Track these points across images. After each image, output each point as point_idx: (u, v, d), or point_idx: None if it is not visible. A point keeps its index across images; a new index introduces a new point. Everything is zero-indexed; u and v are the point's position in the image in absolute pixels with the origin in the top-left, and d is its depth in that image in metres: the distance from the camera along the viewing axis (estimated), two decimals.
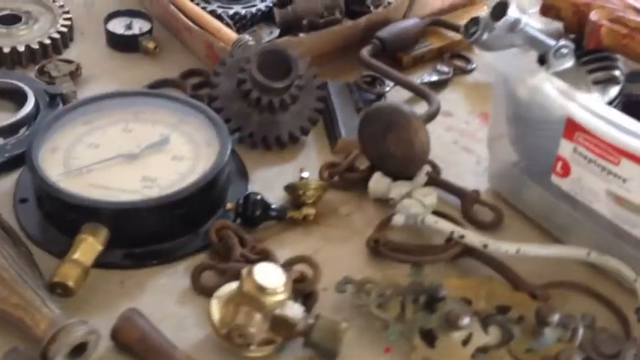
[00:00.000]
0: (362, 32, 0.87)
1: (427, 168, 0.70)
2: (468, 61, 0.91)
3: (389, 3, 0.93)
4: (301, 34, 0.86)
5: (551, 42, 0.57)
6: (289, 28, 0.90)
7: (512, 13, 0.54)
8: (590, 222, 0.59)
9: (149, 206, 0.60)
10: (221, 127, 0.68)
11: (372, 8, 0.91)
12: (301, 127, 0.76)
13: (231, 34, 0.83)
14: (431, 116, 0.73)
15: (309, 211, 0.65)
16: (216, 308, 0.52)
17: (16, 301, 0.50)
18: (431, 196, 0.65)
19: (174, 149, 0.67)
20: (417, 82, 0.84)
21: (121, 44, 0.89)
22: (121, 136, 0.67)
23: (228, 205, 0.64)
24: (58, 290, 0.54)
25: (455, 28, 0.92)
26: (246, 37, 0.82)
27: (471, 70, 0.90)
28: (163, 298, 0.59)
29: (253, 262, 0.59)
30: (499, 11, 0.55)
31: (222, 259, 0.60)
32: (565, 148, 0.57)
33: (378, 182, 0.68)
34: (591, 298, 0.60)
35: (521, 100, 0.60)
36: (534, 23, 0.58)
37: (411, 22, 0.90)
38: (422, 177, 0.69)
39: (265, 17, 0.91)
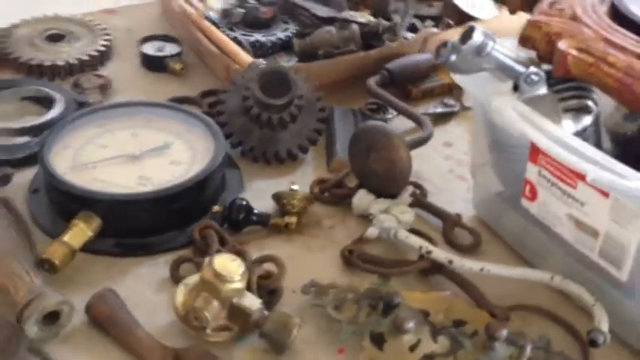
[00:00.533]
0: (374, 63, 0.91)
1: (412, 189, 0.72)
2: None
3: (405, 38, 0.97)
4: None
5: (521, 69, 0.59)
6: (307, 57, 0.95)
7: (478, 37, 0.57)
8: (557, 247, 0.60)
9: (137, 199, 0.64)
10: (219, 137, 0.73)
11: (387, 43, 0.96)
12: (300, 146, 0.80)
13: (247, 58, 0.89)
14: (420, 141, 0.75)
15: (292, 219, 0.68)
16: (181, 293, 0.56)
17: (4, 270, 0.55)
18: (408, 214, 0.67)
19: (174, 154, 0.72)
20: (422, 112, 0.87)
21: (152, 64, 0.96)
22: (129, 139, 0.73)
23: (215, 208, 0.68)
24: (46, 266, 0.59)
25: None
26: (261, 61, 0.87)
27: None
28: (142, 285, 0.62)
29: None
30: (467, 35, 0.57)
31: (202, 256, 0.64)
32: (531, 171, 0.58)
33: (362, 199, 0.71)
34: (553, 322, 0.60)
35: (495, 125, 0.62)
36: (505, 49, 0.60)
37: (422, 57, 0.93)
38: (405, 197, 0.71)
39: (285, 46, 0.97)
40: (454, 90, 0.94)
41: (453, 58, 0.57)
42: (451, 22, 1.01)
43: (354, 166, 0.73)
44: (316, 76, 0.87)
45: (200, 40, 0.94)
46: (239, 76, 0.83)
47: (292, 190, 0.72)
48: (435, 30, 0.98)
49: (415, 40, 0.95)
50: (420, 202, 0.73)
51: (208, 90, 0.91)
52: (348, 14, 0.99)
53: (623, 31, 0.59)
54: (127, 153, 0.71)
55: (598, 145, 0.63)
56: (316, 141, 0.81)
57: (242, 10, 0.98)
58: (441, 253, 0.62)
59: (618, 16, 0.61)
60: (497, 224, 0.70)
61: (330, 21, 0.98)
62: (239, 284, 0.54)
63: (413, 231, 0.68)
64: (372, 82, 0.88)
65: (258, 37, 0.95)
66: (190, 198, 0.67)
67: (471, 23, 0.58)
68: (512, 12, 0.69)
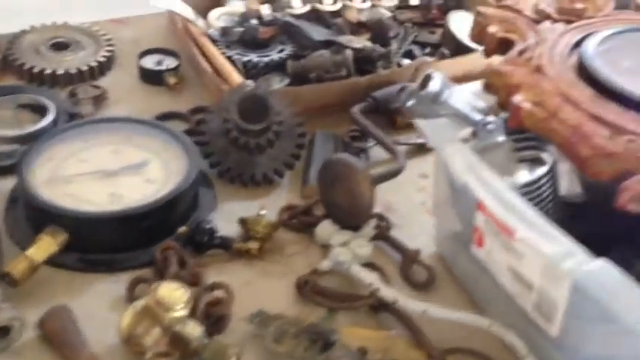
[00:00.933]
0: (363, 90, 0.92)
1: (376, 222, 0.72)
2: None
3: (399, 65, 0.98)
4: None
5: (477, 117, 0.59)
6: (299, 79, 0.96)
7: (435, 85, 0.57)
8: (501, 294, 0.59)
9: (102, 219, 0.67)
10: (193, 158, 0.75)
11: (379, 69, 0.96)
12: (276, 170, 0.81)
13: (238, 78, 0.90)
14: (390, 175, 0.75)
15: (254, 245, 0.70)
16: (128, 316, 0.58)
17: None
18: (365, 248, 0.68)
19: (149, 172, 0.74)
20: (403, 141, 0.88)
21: (149, 77, 0.98)
22: (109, 155, 0.75)
23: (181, 229, 0.70)
24: (7, 279, 0.62)
25: None
26: (249, 82, 0.89)
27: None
28: (100, 302, 0.65)
29: (184, 282, 0.65)
30: (425, 82, 0.58)
31: (160, 277, 0.66)
32: (479, 218, 0.59)
33: (325, 229, 0.72)
34: None
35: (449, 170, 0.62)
36: (464, 97, 0.60)
37: (410, 85, 0.93)
38: (368, 230, 0.71)
39: (278, 67, 0.98)
40: None
41: (410, 103, 0.58)
42: (446, 51, 1.00)
43: (321, 195, 0.73)
44: (304, 100, 0.88)
45: (196, 57, 0.96)
46: (223, 97, 0.85)
47: (260, 215, 0.73)
48: (428, 59, 0.98)
49: (407, 68, 0.95)
50: (382, 234, 0.73)
51: (198, 107, 0.93)
52: (345, 39, 0.99)
53: (582, 86, 0.58)
54: (103, 169, 0.73)
55: (554, 194, 0.63)
56: (293, 166, 0.82)
57: (240, 29, 1.00)
58: (388, 292, 0.62)
59: (582, 70, 0.60)
60: (453, 263, 0.70)
61: (326, 44, 0.99)
62: (181, 312, 0.55)
63: (370, 265, 0.69)
64: (356, 109, 0.88)
65: (252, 56, 0.96)
66: (157, 218, 0.69)
67: (431, 70, 0.58)
68: (488, 56, 0.69)
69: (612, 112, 0.55)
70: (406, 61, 1.00)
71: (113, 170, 0.73)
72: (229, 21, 1.03)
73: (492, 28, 0.68)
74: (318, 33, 1.00)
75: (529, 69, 0.62)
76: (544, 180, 0.60)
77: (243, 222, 0.72)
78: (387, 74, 0.93)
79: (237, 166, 0.80)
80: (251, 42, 0.99)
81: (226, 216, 0.76)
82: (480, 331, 0.62)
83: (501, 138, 0.59)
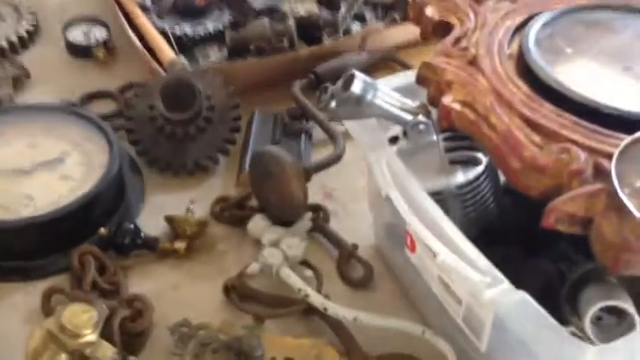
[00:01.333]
0: (306, 63, 0.87)
1: (310, 215, 0.70)
2: None
3: (348, 32, 0.92)
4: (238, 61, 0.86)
5: (407, 117, 0.56)
6: (239, 51, 0.91)
7: (357, 87, 0.53)
8: (437, 302, 0.58)
9: (14, 226, 0.63)
10: (114, 151, 0.70)
11: (324, 39, 0.91)
12: (209, 157, 0.77)
13: (170, 54, 0.85)
14: (327, 163, 0.72)
15: (180, 245, 0.67)
16: (37, 336, 0.55)
17: None
18: (296, 248, 0.65)
19: (67, 168, 0.70)
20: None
21: (76, 51, 0.92)
22: (24, 150, 0.71)
23: (101, 230, 0.66)
24: None
25: (406, 66, 0.90)
26: (182, 60, 0.84)
27: None
28: (13, 314, 0.62)
29: (103, 291, 0.62)
30: (347, 83, 0.54)
31: (79, 284, 0.63)
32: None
33: (257, 224, 0.69)
34: None
35: None
36: (392, 96, 0.56)
37: (354, 57, 0.88)
38: (302, 225, 0.69)
39: (216, 38, 0.92)
40: None
41: (333, 105, 0.54)
42: (397, 16, 0.95)
43: (254, 188, 0.70)
44: (240, 78, 0.84)
45: (125, 29, 0.90)
46: (149, 80, 0.80)
47: (189, 209, 0.70)
48: (376, 26, 0.93)
49: (352, 38, 0.90)
50: (319, 227, 0.70)
51: (129, 83, 0.88)
52: (288, 5, 0.94)
53: (519, 82, 0.55)
54: (17, 167, 0.69)
55: (496, 193, 0.60)
56: (227, 151, 0.78)
57: None
58: (317, 298, 0.60)
59: (520, 62, 0.57)
60: (391, 260, 0.68)
61: (268, 12, 0.93)
62: (90, 337, 0.53)
63: (305, 262, 0.66)
64: (297, 86, 0.84)
65: (186, 28, 0.90)
66: (75, 221, 0.66)
67: (353, 70, 0.54)
68: (424, 40, 0.65)
69: (547, 114, 0.52)
70: (356, 26, 0.95)
71: (27, 168, 0.69)
72: None
73: (429, 10, 0.64)
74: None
75: (463, 61, 0.58)
76: (480, 180, 0.57)
77: (169, 220, 0.68)
78: (331, 45, 0.89)
79: (167, 154, 0.76)
80: (185, 10, 0.93)
81: (155, 209, 0.73)
82: (414, 336, 0.61)
83: (433, 137, 0.56)
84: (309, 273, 0.65)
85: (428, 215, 0.50)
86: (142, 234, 0.67)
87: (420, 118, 0.55)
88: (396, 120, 0.56)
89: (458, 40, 0.60)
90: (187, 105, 0.74)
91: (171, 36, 0.89)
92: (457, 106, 0.53)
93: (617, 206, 0.43)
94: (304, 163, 0.68)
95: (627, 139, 0.46)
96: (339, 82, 0.54)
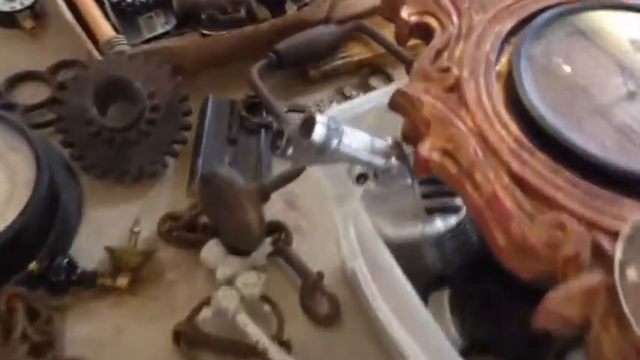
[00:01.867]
0: (267, 39, 0.78)
1: (270, 240, 0.64)
2: (389, 79, 0.81)
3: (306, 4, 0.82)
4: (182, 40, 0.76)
5: (378, 161, 0.48)
6: (188, 18, 0.81)
7: (320, 135, 0.45)
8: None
9: None
10: (43, 168, 0.62)
11: (288, 3, 0.81)
12: (156, 161, 0.70)
13: (106, 31, 0.75)
14: (289, 178, 0.65)
15: (123, 281, 0.61)
16: None
17: None
18: (253, 286, 0.59)
19: None
20: (313, 106, 0.76)
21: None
22: None
23: (31, 266, 0.60)
24: None
25: (378, 39, 0.81)
26: (119, 39, 0.74)
27: None
28: None
29: (34, 344, 0.56)
30: (307, 128, 0.46)
31: (7, 335, 0.57)
32: None
33: (210, 252, 0.62)
34: None
35: None
36: (360, 138, 0.48)
37: (322, 30, 0.79)
38: (262, 250, 0.63)
39: (162, 4, 0.82)
40: (363, 68, 0.81)
41: (290, 152, 0.46)
42: None
43: (206, 211, 0.63)
44: (190, 57, 0.75)
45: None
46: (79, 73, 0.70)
47: (134, 232, 0.64)
48: None
49: (318, 6, 0.80)
50: (280, 250, 0.65)
51: (62, 61, 0.78)
52: None
53: (507, 120, 0.47)
54: None
55: (479, 240, 0.54)
56: (177, 154, 0.71)
57: None
58: (277, 354, 0.55)
59: (510, 91, 0.49)
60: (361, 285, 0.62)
61: None
62: None
63: (264, 298, 0.61)
64: (255, 69, 0.75)
65: None
66: None
67: (312, 113, 0.46)
68: (400, 43, 0.56)
69: (539, 169, 0.45)
70: None
71: None
72: None
73: (405, 11, 0.55)
74: None
75: (444, 86, 0.50)
76: (461, 227, 0.51)
77: (110, 251, 0.62)
78: (294, 16, 0.79)
79: (106, 160, 0.68)
80: None
81: (94, 227, 0.66)
82: None
83: (407, 181, 0.49)
84: (268, 309, 0.60)
85: (395, 295, 0.44)
86: (79, 269, 0.61)
87: (393, 161, 0.48)
88: (365, 165, 0.48)
89: (439, 54, 0.52)
90: (126, 106, 0.66)
91: (107, 3, 0.78)
92: (436, 157, 0.46)
93: (617, 312, 0.38)
94: (260, 183, 0.61)
95: (633, 221, 0.40)
96: (297, 125, 0.46)
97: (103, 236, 0.65)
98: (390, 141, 0.49)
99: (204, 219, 0.66)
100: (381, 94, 0.56)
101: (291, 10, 0.81)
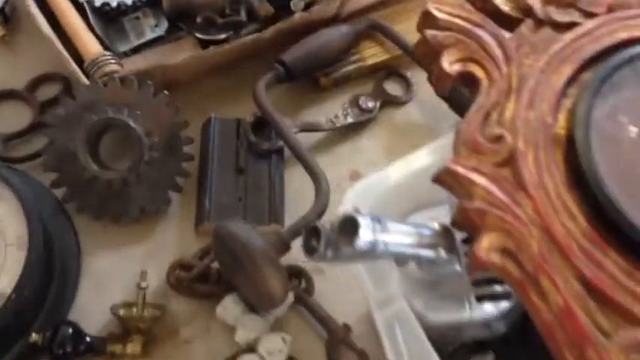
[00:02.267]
0: (271, 47, 0.70)
1: (291, 294, 0.59)
2: (407, 83, 0.74)
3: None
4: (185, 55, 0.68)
5: (427, 254, 0.43)
6: (180, 19, 0.72)
7: (366, 238, 0.40)
8: None
9: None
10: (34, 223, 0.56)
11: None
12: (158, 199, 0.64)
13: (89, 44, 0.67)
14: (309, 222, 0.59)
15: (135, 348, 0.56)
16: None
17: None
18: (280, 354, 0.55)
19: None
20: (326, 123, 0.70)
21: None
22: None
23: (33, 337, 0.55)
24: None
25: (394, 39, 0.74)
26: (106, 57, 0.66)
27: (405, 102, 0.74)
28: None
29: None
30: (348, 229, 0.40)
31: None
32: None
33: (227, 309, 0.58)
34: None
35: None
36: (404, 232, 0.43)
37: (332, 34, 0.71)
38: (283, 307, 0.59)
39: (151, 3, 0.73)
40: (379, 71, 0.74)
41: (330, 255, 0.41)
42: None
43: (221, 267, 0.58)
44: (187, 73, 0.67)
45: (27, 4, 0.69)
46: (78, 94, 0.63)
47: (141, 288, 0.59)
48: None
49: (327, 5, 0.72)
50: (303, 301, 0.60)
51: (43, 75, 0.70)
52: None
53: (573, 206, 0.42)
54: None
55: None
56: (180, 188, 0.65)
57: None
58: None
59: (572, 166, 0.44)
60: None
61: None
62: None
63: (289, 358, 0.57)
64: (260, 86, 0.67)
65: None
66: None
67: (352, 214, 0.40)
68: (439, 94, 0.50)
69: (614, 272, 0.40)
70: None
71: None
72: None
73: (447, 60, 0.48)
74: None
75: (497, 161, 0.44)
76: (509, 312, 0.47)
77: (117, 316, 0.57)
78: (300, 19, 0.70)
79: (102, 201, 0.62)
80: None
81: (97, 281, 0.61)
82: None
83: (455, 267, 0.44)
84: None
85: None
86: (86, 337, 0.56)
87: (441, 253, 0.43)
88: (416, 259, 0.44)
89: (487, 117, 0.46)
90: (120, 138, 0.59)
91: (87, 8, 0.70)
92: (495, 258, 0.41)
93: None
94: (277, 233, 0.56)
95: None
96: (335, 225, 0.41)
97: (107, 288, 0.60)
98: (437, 227, 0.44)
99: (217, 266, 0.61)
100: (421, 156, 0.50)
101: (297, 4, 0.73)
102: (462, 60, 0.48)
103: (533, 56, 0.48)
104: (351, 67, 0.73)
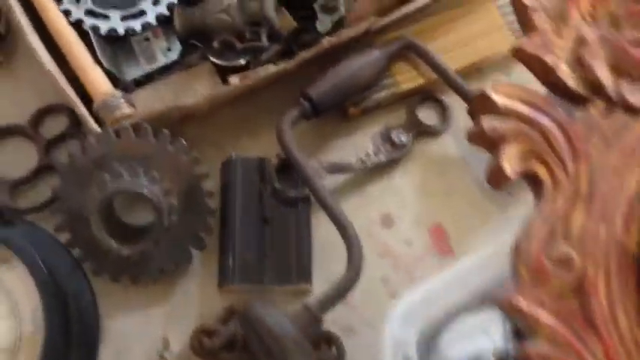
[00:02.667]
0: (295, 72, 0.64)
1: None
2: (443, 110, 0.68)
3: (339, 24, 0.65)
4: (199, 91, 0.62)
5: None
6: (194, 37, 0.66)
7: None
8: None
9: None
10: (49, 300, 0.52)
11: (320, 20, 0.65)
12: (179, 258, 0.60)
13: (98, 81, 0.61)
14: (340, 295, 0.55)
15: None
16: None
17: None
18: None
19: None
20: (356, 162, 0.64)
21: None
22: None
23: None
24: None
25: (432, 64, 0.67)
26: (116, 98, 0.60)
27: (441, 132, 0.68)
28: None
29: None
30: None
31: None
32: None
33: None
34: None
35: None
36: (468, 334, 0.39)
37: (363, 62, 0.64)
38: None
39: (160, 20, 0.66)
40: (413, 98, 0.68)
41: None
42: None
43: (249, 346, 0.55)
44: (205, 106, 0.62)
45: (17, 19, 0.61)
46: (89, 146, 0.57)
47: (163, 358, 0.56)
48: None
49: (352, 31, 0.64)
50: None
51: (46, 107, 0.64)
52: None
53: None
54: None
55: None
56: (203, 245, 0.60)
57: None
58: None
59: None
60: None
61: None
62: None
63: None
64: (285, 124, 0.62)
65: (115, 20, 0.63)
66: None
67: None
68: (495, 188, 0.45)
69: None
70: None
71: None
72: None
73: (506, 158, 0.43)
74: None
75: (562, 290, 0.40)
76: None
77: None
78: (329, 45, 0.63)
79: (118, 266, 0.58)
80: None
81: (115, 345, 0.58)
82: None
83: None
84: None
85: None
86: None
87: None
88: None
89: (552, 231, 0.41)
90: (138, 203, 0.55)
91: (92, 36, 0.63)
92: None
93: None
94: (306, 307, 0.52)
95: None
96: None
97: (128, 355, 0.57)
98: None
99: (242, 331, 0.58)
100: (463, 267, 0.46)
101: (323, 23, 0.65)
102: (523, 157, 0.43)
103: (604, 149, 0.44)
104: (382, 94, 0.67)
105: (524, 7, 0.47)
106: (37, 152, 0.63)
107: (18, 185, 0.62)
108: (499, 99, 0.44)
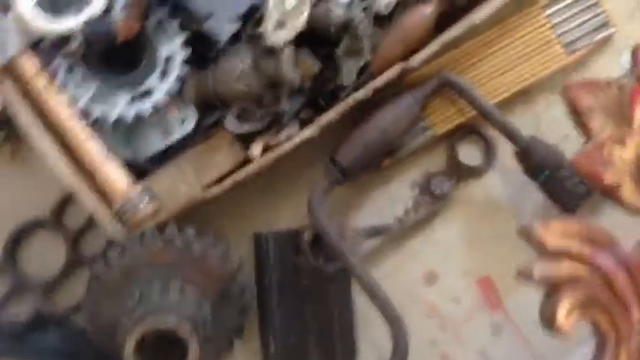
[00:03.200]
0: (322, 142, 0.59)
1: None
2: (486, 146, 0.62)
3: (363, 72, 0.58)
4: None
5: None
6: (210, 110, 0.61)
7: None
8: None
9: None
10: None
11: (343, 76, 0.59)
12: (220, 350, 0.58)
13: (117, 181, 0.56)
14: None
15: None
16: None
17: None
18: None
19: None
20: (394, 222, 0.60)
21: None
22: None
23: None
24: None
25: (471, 100, 0.60)
26: (135, 198, 0.56)
27: (485, 172, 0.62)
28: None
29: None
30: None
31: None
32: None
33: None
34: None
35: None
36: None
37: (395, 113, 0.58)
38: None
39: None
40: (453, 138, 0.62)
41: None
42: None
43: None
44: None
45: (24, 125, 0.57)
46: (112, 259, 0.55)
47: None
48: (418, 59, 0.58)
49: (379, 81, 0.57)
50: None
51: (65, 197, 0.61)
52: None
53: None
54: None
55: None
56: (242, 334, 0.58)
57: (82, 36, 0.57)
58: None
59: None
60: None
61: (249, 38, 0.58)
62: None
63: None
64: (316, 199, 0.57)
65: (123, 103, 0.57)
66: None
67: None
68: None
69: None
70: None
71: None
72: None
73: (562, 310, 0.38)
74: (219, 21, 0.58)
75: None
76: None
77: None
78: (353, 102, 0.57)
79: None
80: (105, 53, 0.58)
81: None
82: None
83: None
84: None
85: None
86: None
87: None
88: None
89: None
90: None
91: (102, 125, 0.58)
92: None
93: None
94: None
95: None
96: None
97: None
98: None
99: None
100: None
101: (348, 76, 0.59)
102: (581, 305, 0.39)
103: None
104: (419, 140, 0.62)
105: (580, 110, 0.41)
106: (65, 245, 0.61)
107: (52, 288, 0.61)
108: (551, 240, 0.39)
